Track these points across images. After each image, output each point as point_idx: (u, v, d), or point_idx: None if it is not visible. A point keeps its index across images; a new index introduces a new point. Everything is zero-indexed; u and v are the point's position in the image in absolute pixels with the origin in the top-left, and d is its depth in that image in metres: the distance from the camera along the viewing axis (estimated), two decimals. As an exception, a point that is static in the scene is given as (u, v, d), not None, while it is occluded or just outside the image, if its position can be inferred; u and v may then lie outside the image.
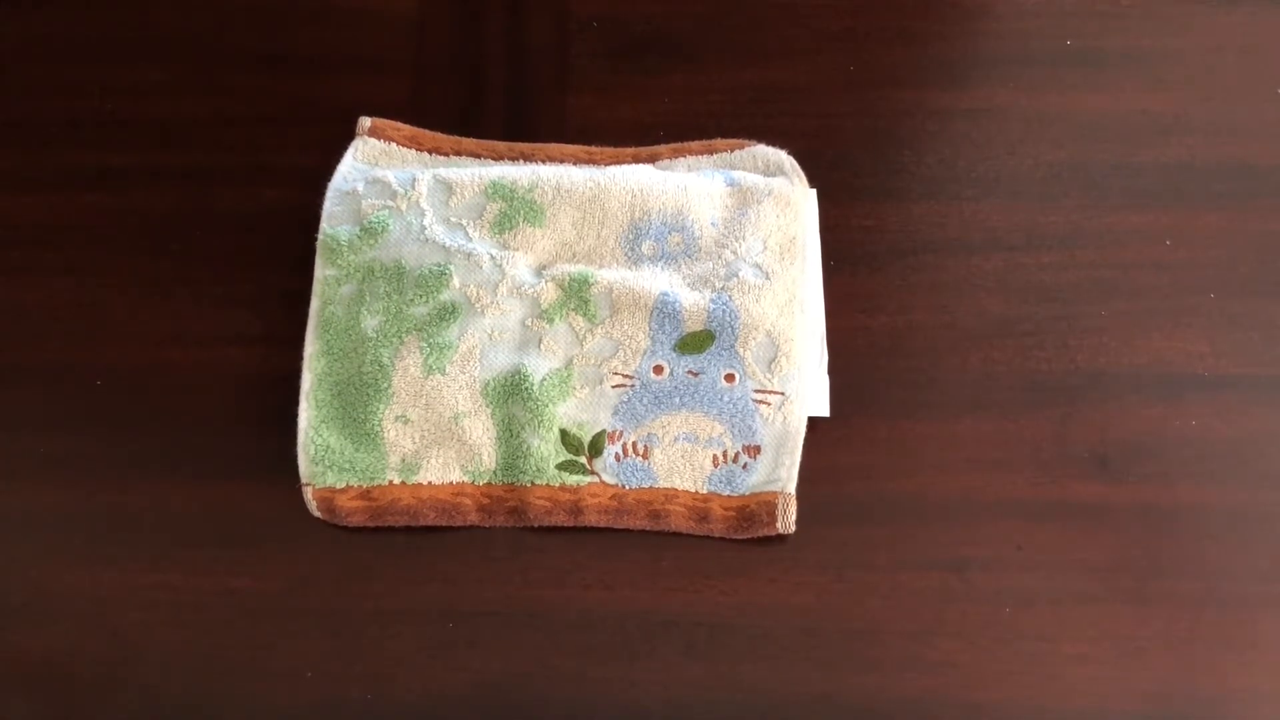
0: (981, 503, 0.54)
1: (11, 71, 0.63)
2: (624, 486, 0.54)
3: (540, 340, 0.56)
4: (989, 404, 0.56)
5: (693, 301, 0.56)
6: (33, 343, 0.58)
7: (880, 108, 0.62)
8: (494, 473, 0.55)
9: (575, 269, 0.56)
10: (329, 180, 0.59)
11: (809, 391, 0.55)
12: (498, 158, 0.60)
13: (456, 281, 0.56)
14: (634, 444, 0.55)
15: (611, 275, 0.56)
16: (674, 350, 0.55)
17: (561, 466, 0.54)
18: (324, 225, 0.57)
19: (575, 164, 0.60)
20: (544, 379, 0.55)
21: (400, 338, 0.55)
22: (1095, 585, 0.53)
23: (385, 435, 0.54)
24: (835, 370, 0.56)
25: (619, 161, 0.60)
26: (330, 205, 0.58)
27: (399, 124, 0.61)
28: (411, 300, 0.56)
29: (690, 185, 0.58)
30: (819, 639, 0.53)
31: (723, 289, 0.56)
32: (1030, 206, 0.60)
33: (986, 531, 0.54)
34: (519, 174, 0.58)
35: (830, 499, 0.55)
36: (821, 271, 0.58)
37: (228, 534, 0.55)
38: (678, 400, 0.55)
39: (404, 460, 0.55)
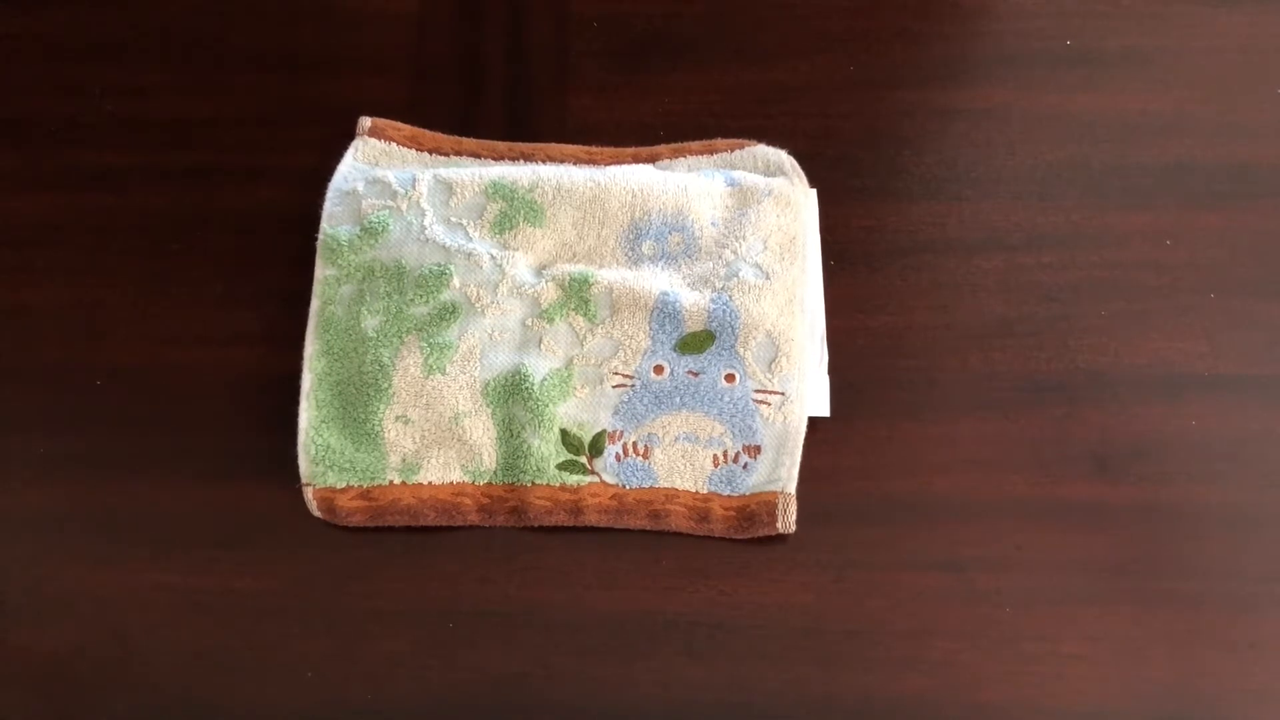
0: (981, 503, 0.54)
1: (11, 71, 0.63)
2: (624, 486, 0.54)
3: (540, 340, 0.56)
4: (989, 404, 0.56)
5: (693, 301, 0.56)
6: (33, 343, 0.58)
7: (880, 108, 0.62)
8: (494, 473, 0.55)
9: (575, 269, 0.56)
10: (329, 180, 0.59)
11: (809, 391, 0.55)
12: (498, 158, 0.60)
13: (457, 281, 0.56)
14: (634, 444, 0.55)
15: (612, 275, 0.56)
16: (674, 350, 0.55)
17: (562, 466, 0.54)
18: (324, 225, 0.58)
19: (575, 164, 0.60)
20: (544, 379, 0.55)
21: (400, 338, 0.55)
22: (1095, 585, 0.53)
23: (385, 435, 0.54)
24: (835, 370, 0.56)
25: (619, 161, 0.60)
26: (330, 205, 0.58)
27: (399, 124, 0.61)
28: (412, 300, 0.56)
29: (690, 185, 0.58)
30: (819, 639, 0.53)
31: (723, 289, 0.56)
32: (1030, 206, 0.60)
33: (986, 531, 0.54)
34: (519, 174, 0.58)
35: (830, 499, 0.55)
36: (821, 271, 0.58)
37: (228, 534, 0.55)
38: (678, 400, 0.55)
39: (404, 460, 0.55)
